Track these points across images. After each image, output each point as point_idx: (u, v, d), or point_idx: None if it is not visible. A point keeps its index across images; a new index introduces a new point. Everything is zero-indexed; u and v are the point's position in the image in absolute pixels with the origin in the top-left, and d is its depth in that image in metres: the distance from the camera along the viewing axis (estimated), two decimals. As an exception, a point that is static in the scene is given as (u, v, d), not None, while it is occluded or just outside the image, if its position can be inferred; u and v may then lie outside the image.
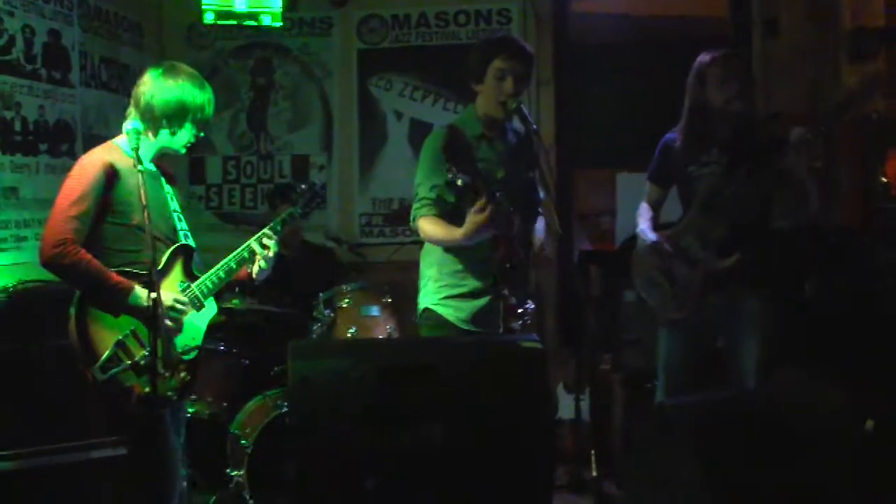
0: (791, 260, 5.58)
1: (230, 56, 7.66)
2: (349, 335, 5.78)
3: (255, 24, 6.74)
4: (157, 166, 4.23)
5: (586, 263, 6.57)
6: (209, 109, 4.13)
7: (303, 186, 4.66)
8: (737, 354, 4.81)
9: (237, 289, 5.72)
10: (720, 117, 4.74)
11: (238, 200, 7.68)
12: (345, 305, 5.87)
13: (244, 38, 7.60)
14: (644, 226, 4.95)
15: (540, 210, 4.76)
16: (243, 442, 5.34)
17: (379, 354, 3.67)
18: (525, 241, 4.47)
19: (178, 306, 4.01)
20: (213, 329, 5.69)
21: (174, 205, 4.22)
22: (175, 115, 4.04)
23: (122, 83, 6.87)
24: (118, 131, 4.06)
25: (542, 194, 4.72)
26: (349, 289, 5.97)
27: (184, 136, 4.11)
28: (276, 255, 4.27)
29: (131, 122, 3.98)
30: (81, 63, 6.39)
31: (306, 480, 3.39)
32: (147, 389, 3.79)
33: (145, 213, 3.77)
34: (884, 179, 6.05)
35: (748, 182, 4.67)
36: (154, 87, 4.04)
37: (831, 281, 5.80)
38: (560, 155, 7.25)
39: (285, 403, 5.22)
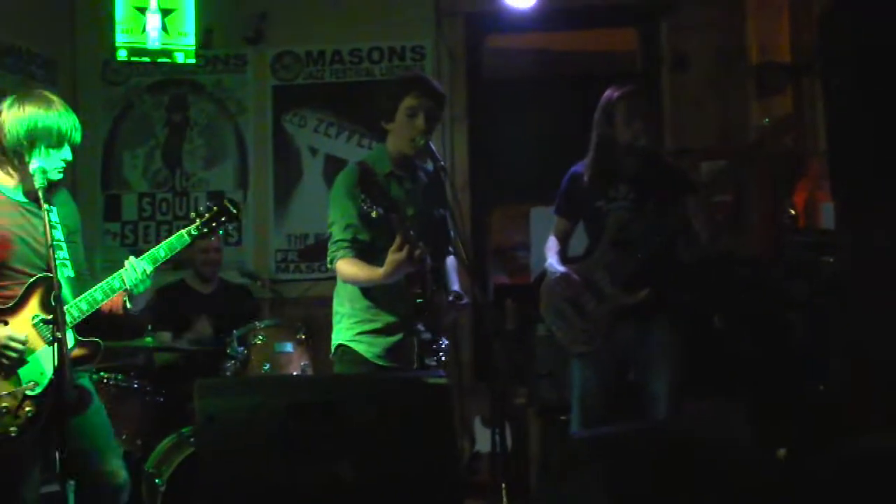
0: (700, 292, 5.66)
1: (145, 92, 7.61)
2: (263, 372, 5.76)
3: (169, 61, 6.73)
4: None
5: (501, 297, 6.61)
6: (64, 130, 3.91)
7: (201, 208, 4.26)
8: (647, 386, 4.84)
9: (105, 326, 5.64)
10: (627, 153, 4.79)
11: (153, 238, 7.57)
12: (259, 342, 5.85)
13: (159, 74, 7.56)
14: (552, 259, 4.97)
15: (451, 248, 4.79)
16: (157, 481, 5.28)
17: (286, 391, 3.64)
18: (436, 278, 4.49)
19: (11, 344, 3.78)
20: (128, 367, 5.70)
21: (56, 233, 3.92)
22: (26, 144, 3.86)
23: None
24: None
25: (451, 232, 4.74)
26: (263, 325, 5.96)
27: (51, 161, 3.90)
28: (147, 284, 4.04)
29: (36, 160, 3.83)
30: (-8, 100, 6.30)
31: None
32: None
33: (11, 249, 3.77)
34: (792, 211, 6.14)
35: (657, 217, 4.74)
36: (2, 120, 3.89)
37: (740, 312, 5.88)
38: (474, 190, 7.30)
39: (198, 441, 5.18)
